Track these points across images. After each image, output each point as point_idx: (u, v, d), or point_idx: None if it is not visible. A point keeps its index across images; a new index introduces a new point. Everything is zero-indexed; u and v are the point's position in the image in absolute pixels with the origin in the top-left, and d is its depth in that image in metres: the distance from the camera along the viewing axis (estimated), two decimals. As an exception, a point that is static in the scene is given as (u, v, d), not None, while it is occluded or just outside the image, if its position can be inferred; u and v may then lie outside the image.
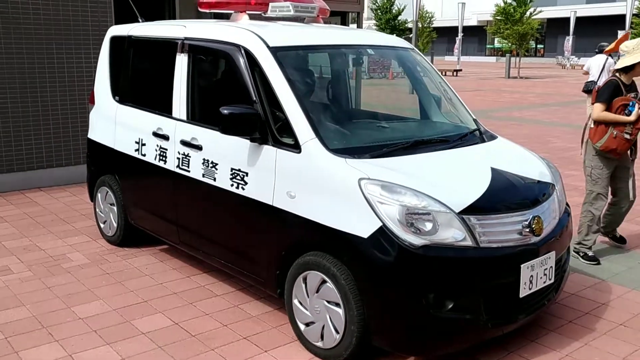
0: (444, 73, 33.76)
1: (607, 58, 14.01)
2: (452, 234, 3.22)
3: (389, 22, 46.37)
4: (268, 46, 3.88)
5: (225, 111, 3.67)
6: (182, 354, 3.62)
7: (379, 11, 47.04)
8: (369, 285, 3.24)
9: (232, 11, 4.66)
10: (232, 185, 3.98)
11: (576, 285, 4.70)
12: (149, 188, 4.95)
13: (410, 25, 42.77)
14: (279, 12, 4.56)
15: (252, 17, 4.60)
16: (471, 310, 3.27)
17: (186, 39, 4.48)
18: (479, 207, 3.33)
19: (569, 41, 42.90)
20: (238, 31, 4.10)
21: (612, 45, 17.04)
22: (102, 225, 5.62)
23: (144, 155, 4.84)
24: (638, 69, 4.97)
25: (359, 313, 3.29)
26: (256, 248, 3.90)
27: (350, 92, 5.16)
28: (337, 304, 3.40)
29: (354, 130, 3.96)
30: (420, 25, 45.87)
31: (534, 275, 3.46)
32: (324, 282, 3.46)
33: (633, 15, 31.98)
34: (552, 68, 44.55)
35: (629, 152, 5.15)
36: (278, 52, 3.86)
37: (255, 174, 3.82)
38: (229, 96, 4.06)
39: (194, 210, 4.48)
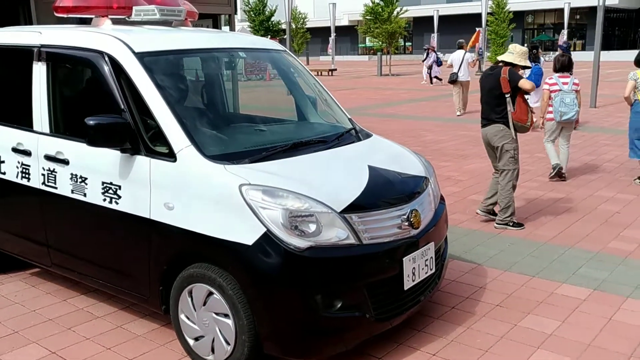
0: (319, 73, 34.33)
1: (465, 53, 15.68)
2: (336, 233, 3.24)
3: (263, 24, 46.44)
4: (134, 52, 3.69)
5: (92, 122, 3.45)
6: (61, 385, 3.37)
7: (252, 13, 46.94)
8: (258, 292, 3.18)
9: (92, 16, 4.40)
10: (104, 200, 3.75)
11: (455, 271, 4.92)
12: (12, 209, 4.55)
13: (284, 26, 43.13)
14: (143, 16, 4.35)
15: (114, 21, 4.37)
16: (359, 307, 3.31)
17: (43, 46, 4.16)
18: (359, 205, 3.37)
19: (434, 38, 45.03)
20: (100, 37, 3.87)
21: (470, 43, 19.28)
22: (-40, 253, 5.11)
23: (4, 173, 4.44)
24: (517, 70, 5.91)
25: (248, 322, 3.22)
26: (136, 264, 3.71)
27: (225, 96, 5.05)
28: (226, 315, 3.31)
29: (231, 135, 3.87)
30: (294, 26, 46.42)
31: (416, 267, 3.56)
32: (210, 294, 3.35)
33: (488, 14, 34.35)
34: (420, 65, 46.65)
35: None
36: (145, 58, 3.69)
37: (129, 187, 3.63)
38: (95, 106, 3.84)
39: (65, 230, 4.19)
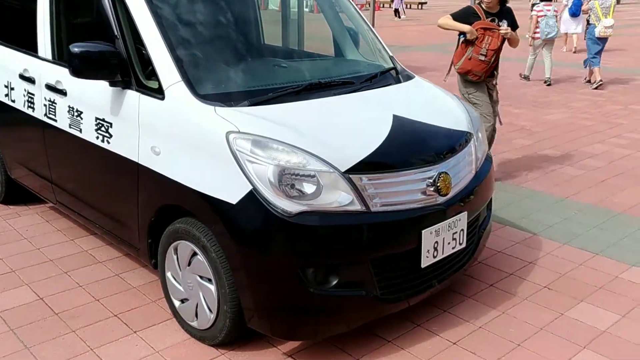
0: (408, 6, 32.67)
1: None
2: (337, 197, 2.69)
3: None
4: (129, -32, 3.19)
5: (76, 49, 3.02)
6: (35, 337, 3.10)
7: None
8: (240, 259, 2.72)
9: None
10: (97, 137, 3.37)
11: (504, 241, 4.27)
12: (22, 140, 4.30)
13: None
14: None
15: None
16: (361, 286, 2.78)
17: (47, -38, 3.74)
18: (371, 164, 2.79)
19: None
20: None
21: None
22: (-17, 181, 4.97)
23: (14, 101, 4.17)
24: None
25: (231, 291, 2.78)
26: (127, 212, 3.33)
27: (257, 26, 4.47)
28: (210, 280, 2.89)
29: (238, 72, 3.31)
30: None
31: (439, 242, 2.97)
32: (195, 254, 2.93)
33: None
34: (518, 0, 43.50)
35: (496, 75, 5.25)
36: (141, -24, 3.18)
37: (120, 125, 3.22)
38: (91, 32, 3.41)
39: (66, 167, 3.88)
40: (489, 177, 3.46)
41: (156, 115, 3.01)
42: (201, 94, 2.92)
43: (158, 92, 3.00)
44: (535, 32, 10.69)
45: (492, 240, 4.10)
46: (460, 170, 3.14)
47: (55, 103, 3.69)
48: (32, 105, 3.95)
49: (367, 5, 28.44)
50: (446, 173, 2.98)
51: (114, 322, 3.25)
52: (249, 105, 2.94)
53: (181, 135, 2.90)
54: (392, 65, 3.86)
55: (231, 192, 2.69)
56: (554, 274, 3.81)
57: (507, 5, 5.16)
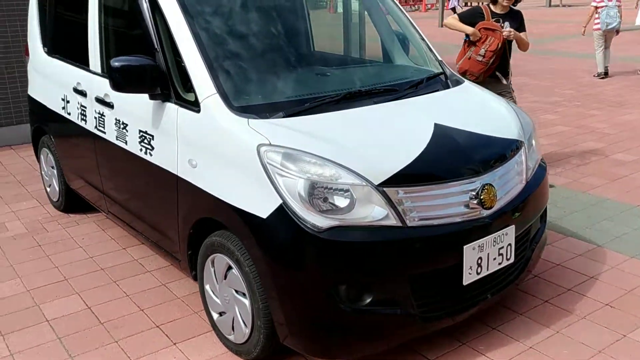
0: (468, 3, 31.84)
1: None
2: (370, 212, 2.58)
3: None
4: (168, -18, 3.20)
5: (117, 63, 3.06)
6: (79, 347, 3.16)
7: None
8: (270, 275, 2.66)
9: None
10: (140, 150, 3.41)
11: (564, 252, 4.01)
12: (77, 151, 4.42)
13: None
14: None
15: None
16: (397, 304, 2.66)
17: (96, -21, 3.83)
18: (408, 176, 2.67)
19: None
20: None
21: None
22: (48, 190, 5.18)
23: (69, 113, 4.30)
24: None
25: (264, 306, 2.73)
26: (169, 224, 3.35)
27: (307, 32, 4.42)
28: (244, 294, 2.85)
29: (276, 83, 3.25)
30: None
31: (483, 257, 2.80)
32: (230, 267, 2.90)
33: None
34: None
35: (502, 77, 4.96)
36: (180, -11, 3.18)
37: (160, 137, 3.24)
38: (134, 45, 3.45)
39: (114, 178, 3.95)
40: (541, 187, 3.25)
41: (193, 128, 3.01)
42: (236, 106, 2.89)
43: (194, 105, 2.99)
44: (595, 23, 10.31)
45: (550, 252, 3.88)
46: (507, 181, 2.96)
47: (104, 115, 3.78)
48: (84, 118, 4.06)
49: (437, 5, 28.10)
50: (491, 185, 2.81)
51: (155, 333, 3.27)
52: (283, 117, 2.88)
53: (215, 147, 2.88)
54: (440, 70, 3.71)
55: (262, 206, 2.64)
56: (619, 291, 3.54)
57: (517, 8, 4.99)
